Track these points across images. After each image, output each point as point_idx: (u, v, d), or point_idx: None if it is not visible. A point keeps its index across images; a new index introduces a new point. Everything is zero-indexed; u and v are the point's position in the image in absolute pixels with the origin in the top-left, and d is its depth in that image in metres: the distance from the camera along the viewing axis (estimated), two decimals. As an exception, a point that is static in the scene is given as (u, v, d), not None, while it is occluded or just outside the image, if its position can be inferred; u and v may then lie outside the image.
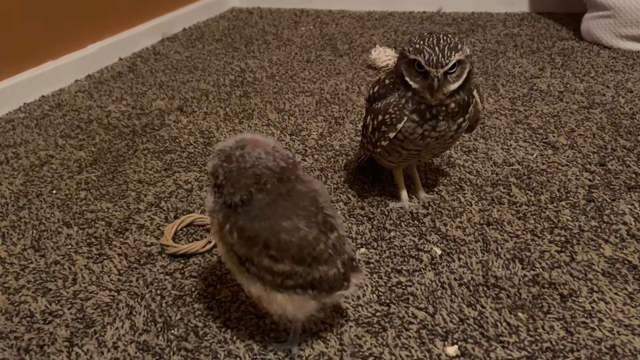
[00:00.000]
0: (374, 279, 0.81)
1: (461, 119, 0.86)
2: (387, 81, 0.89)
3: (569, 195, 0.98)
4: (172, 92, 1.59)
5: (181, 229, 0.96)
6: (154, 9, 2.08)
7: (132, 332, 0.75)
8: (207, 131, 1.34)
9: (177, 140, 1.30)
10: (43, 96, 1.59)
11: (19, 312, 0.80)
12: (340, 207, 1.00)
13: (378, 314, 0.75)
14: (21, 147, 1.30)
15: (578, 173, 1.04)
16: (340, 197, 1.03)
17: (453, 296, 0.77)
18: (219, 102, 1.50)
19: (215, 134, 1.32)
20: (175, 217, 1.00)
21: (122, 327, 0.76)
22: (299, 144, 1.24)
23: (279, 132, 1.31)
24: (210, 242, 0.91)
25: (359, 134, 1.27)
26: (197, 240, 0.93)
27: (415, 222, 0.94)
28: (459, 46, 0.80)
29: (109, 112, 1.46)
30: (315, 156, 1.18)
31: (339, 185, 1.07)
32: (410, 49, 0.82)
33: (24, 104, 1.54)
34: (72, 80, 1.69)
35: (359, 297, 0.78)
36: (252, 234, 0.62)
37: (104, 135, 1.34)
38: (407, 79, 0.84)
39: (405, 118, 0.85)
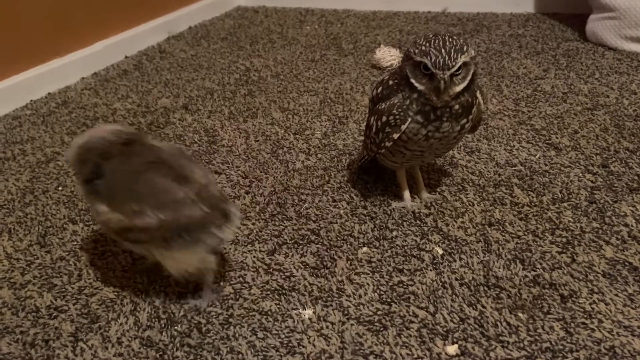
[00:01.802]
0: (376, 277, 0.82)
1: (464, 120, 0.86)
2: (390, 82, 0.90)
3: (571, 196, 0.98)
4: (177, 90, 1.60)
5: (185, 227, 0.97)
6: (159, 7, 2.09)
7: (136, 328, 0.76)
8: (212, 129, 1.35)
9: (182, 139, 1.31)
10: (49, 93, 1.60)
11: (24, 307, 0.81)
12: (343, 206, 1.00)
13: (379, 312, 0.76)
14: (27, 143, 1.31)
15: (580, 174, 1.05)
16: (343, 196, 1.03)
17: (454, 296, 0.77)
18: (224, 101, 1.51)
19: (219, 133, 1.33)
20: (180, 215, 1.01)
21: (126, 323, 0.77)
22: (302, 143, 1.25)
23: (282, 131, 1.32)
24: (213, 239, 0.92)
25: (362, 133, 1.27)
26: (201, 237, 0.94)
27: (417, 221, 0.94)
28: (465, 48, 0.80)
29: (114, 110, 1.48)
30: (319, 155, 1.19)
31: (342, 185, 1.07)
32: (416, 51, 0.82)
33: (31, 100, 1.55)
34: (78, 78, 1.70)
35: (360, 296, 0.79)
36: (113, 200, 0.72)
37: (109, 132, 1.35)
38: (412, 80, 0.84)
39: (410, 119, 0.85)
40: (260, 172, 1.14)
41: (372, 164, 1.06)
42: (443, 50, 0.80)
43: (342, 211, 0.99)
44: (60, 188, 1.11)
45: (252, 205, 1.03)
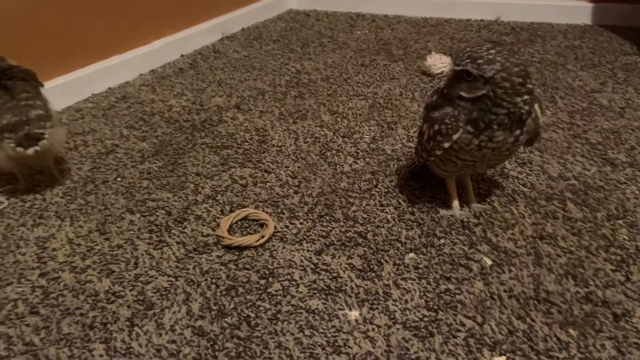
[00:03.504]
0: (422, 284, 0.82)
1: (518, 131, 0.85)
2: (445, 91, 0.90)
3: (626, 214, 0.96)
4: (230, 89, 1.64)
5: (236, 222, 1.00)
6: (214, 8, 2.15)
7: (189, 317, 0.79)
8: (262, 129, 1.38)
9: (233, 137, 1.34)
10: (110, 88, 1.68)
11: (84, 291, 0.85)
12: (390, 211, 1.01)
13: (425, 319, 0.76)
14: (89, 135, 1.38)
15: (637, 192, 1.02)
16: (390, 201, 1.04)
17: (502, 307, 0.77)
18: (275, 102, 1.54)
19: (270, 132, 1.36)
20: (231, 211, 1.04)
21: (179, 312, 0.80)
22: (351, 147, 1.26)
23: (331, 133, 1.33)
24: (263, 236, 0.94)
25: (411, 139, 1.28)
26: (251, 234, 0.97)
27: (466, 231, 0.94)
28: (480, 62, 0.81)
29: (170, 107, 1.53)
30: (367, 159, 1.20)
31: (390, 190, 1.08)
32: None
33: (92, 94, 1.63)
34: (136, 74, 1.77)
35: (406, 301, 0.79)
36: None
37: (165, 128, 1.40)
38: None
39: (461, 130, 0.85)
40: (309, 173, 1.16)
41: (422, 170, 1.07)
42: (468, 49, 0.83)
43: (389, 216, 1.00)
44: (119, 179, 1.17)
45: (301, 205, 1.05)
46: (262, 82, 1.69)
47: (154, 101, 1.57)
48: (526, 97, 0.82)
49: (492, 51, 0.81)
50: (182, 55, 1.95)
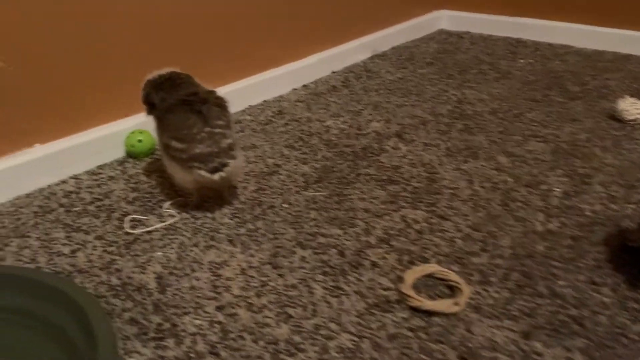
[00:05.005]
0: (676, 407, 0.66)
1: None
2: None
3: None
4: (388, 114, 1.54)
5: (419, 278, 0.89)
6: (365, 26, 2.07)
7: (383, 394, 0.69)
8: (429, 165, 1.26)
9: (399, 171, 1.24)
10: (265, 101, 1.65)
11: (263, 336, 0.78)
12: (606, 293, 0.85)
13: None
14: (250, 151, 1.34)
15: None
16: (605, 279, 0.87)
17: None
18: (439, 134, 1.42)
19: (438, 170, 1.23)
20: (410, 262, 0.93)
21: (370, 384, 0.70)
22: (538, 200, 1.10)
23: (512, 180, 1.18)
24: (457, 304, 0.82)
25: (613, 200, 1.09)
26: (439, 296, 0.85)
27: None
28: None
29: (327, 128, 1.46)
30: (562, 219, 1.04)
31: (601, 264, 0.91)
32: None
33: (249, 106, 1.61)
34: (289, 89, 1.74)
35: None
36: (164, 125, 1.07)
37: (325, 152, 1.33)
38: None
39: None
40: (494, 227, 1.02)
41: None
42: None
43: (606, 299, 0.83)
44: (285, 205, 1.10)
45: (491, 267, 0.92)
46: (421, 110, 1.57)
47: (311, 120, 1.51)
48: None
49: None
50: (333, 72, 1.89)
